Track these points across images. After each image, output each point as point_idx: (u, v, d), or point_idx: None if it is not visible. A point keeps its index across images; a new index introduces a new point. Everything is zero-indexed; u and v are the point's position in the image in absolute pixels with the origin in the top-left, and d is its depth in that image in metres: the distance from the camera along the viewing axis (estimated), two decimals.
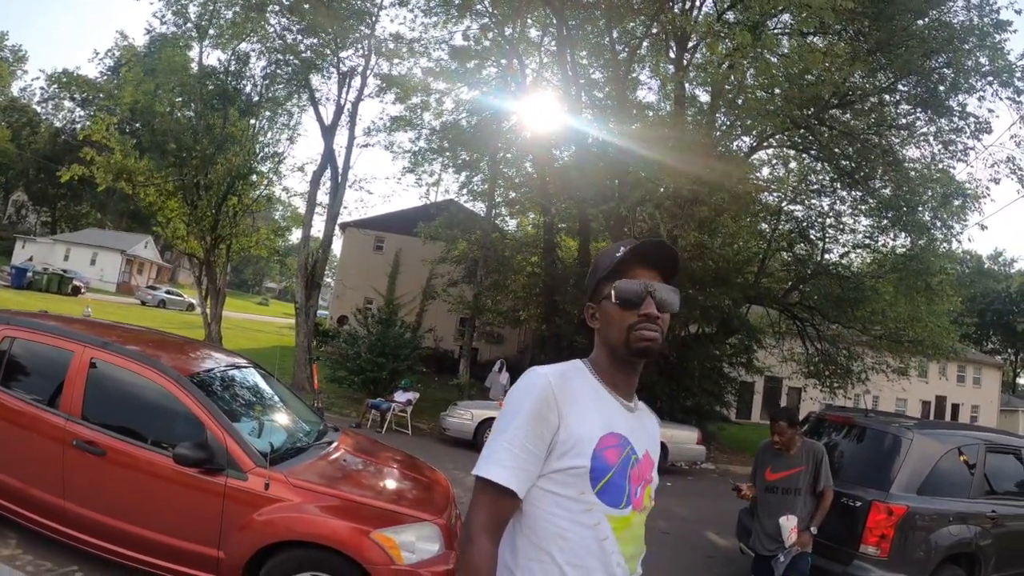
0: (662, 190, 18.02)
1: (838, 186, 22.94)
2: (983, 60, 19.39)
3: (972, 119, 20.44)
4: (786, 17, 20.11)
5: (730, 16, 20.16)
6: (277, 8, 21.86)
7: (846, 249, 24.75)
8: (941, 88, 20.13)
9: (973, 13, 19.72)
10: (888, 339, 23.88)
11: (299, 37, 22.32)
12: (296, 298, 22.44)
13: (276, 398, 6.62)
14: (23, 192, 78.35)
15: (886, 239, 23.21)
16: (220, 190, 23.09)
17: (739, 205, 19.20)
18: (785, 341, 26.64)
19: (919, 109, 21.30)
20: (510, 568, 1.94)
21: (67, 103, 76.12)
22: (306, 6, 20.84)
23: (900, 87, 20.97)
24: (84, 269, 54.58)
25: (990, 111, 24.34)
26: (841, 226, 23.90)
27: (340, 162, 22.95)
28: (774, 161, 25.13)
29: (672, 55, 21.92)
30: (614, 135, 18.85)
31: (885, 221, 22.06)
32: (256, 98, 24.84)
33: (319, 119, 23.04)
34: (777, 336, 26.29)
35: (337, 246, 38.56)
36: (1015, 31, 19.53)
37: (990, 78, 19.67)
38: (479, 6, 22.45)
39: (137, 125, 30.45)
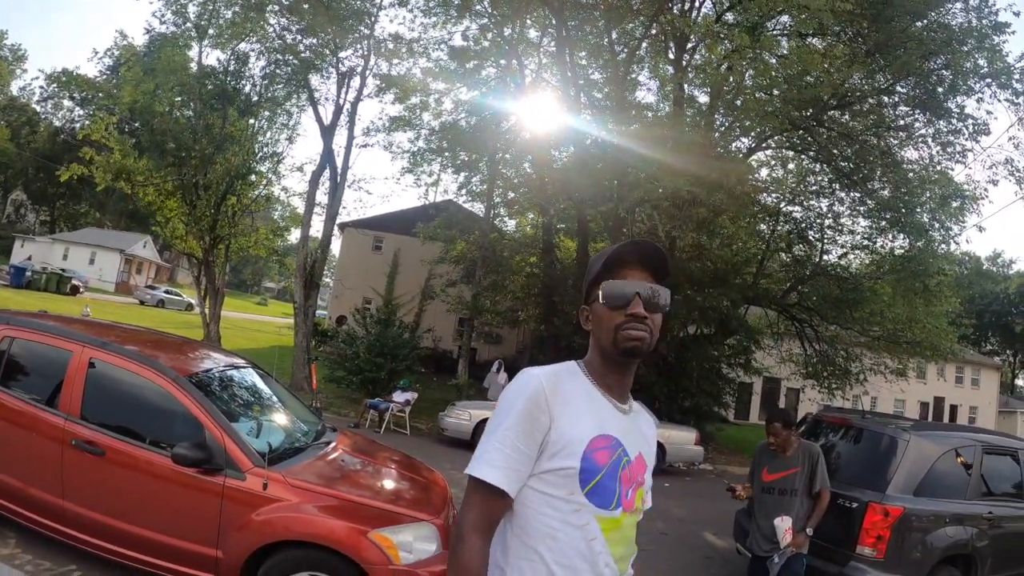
0: (661, 191, 18.02)
1: (837, 187, 22.94)
2: (982, 62, 19.40)
3: (970, 121, 20.46)
4: (785, 18, 20.13)
5: (729, 17, 20.19)
6: (276, 8, 21.88)
7: (845, 250, 24.78)
8: (940, 90, 20.15)
9: (972, 15, 19.74)
10: (886, 340, 23.89)
11: (298, 37, 22.35)
12: (295, 298, 22.44)
13: (274, 398, 6.63)
14: (22, 191, 78.32)
15: (885, 240, 23.23)
16: (219, 190, 23.11)
17: (738, 206, 19.21)
18: (783, 342, 26.66)
19: (918, 111, 21.32)
20: (500, 567, 1.95)
21: (66, 102, 76.18)
22: (305, 6, 20.85)
23: (899, 88, 20.99)
24: (83, 268, 54.57)
25: (988, 113, 24.21)
26: (840, 227, 23.92)
27: (339, 162, 22.97)
28: (773, 162, 25.15)
29: (671, 56, 21.94)
30: (613, 136, 18.85)
31: (883, 222, 22.06)
32: (255, 98, 24.87)
33: (318, 119, 23.07)
34: (775, 337, 26.30)
35: (336, 246, 38.61)
36: (1013, 32, 19.55)
37: (989, 80, 19.68)
38: (478, 6, 22.47)
39: (136, 125, 30.41)
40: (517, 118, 24.62)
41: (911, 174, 20.98)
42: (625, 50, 22.48)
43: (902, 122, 21.84)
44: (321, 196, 23.38)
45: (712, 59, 18.67)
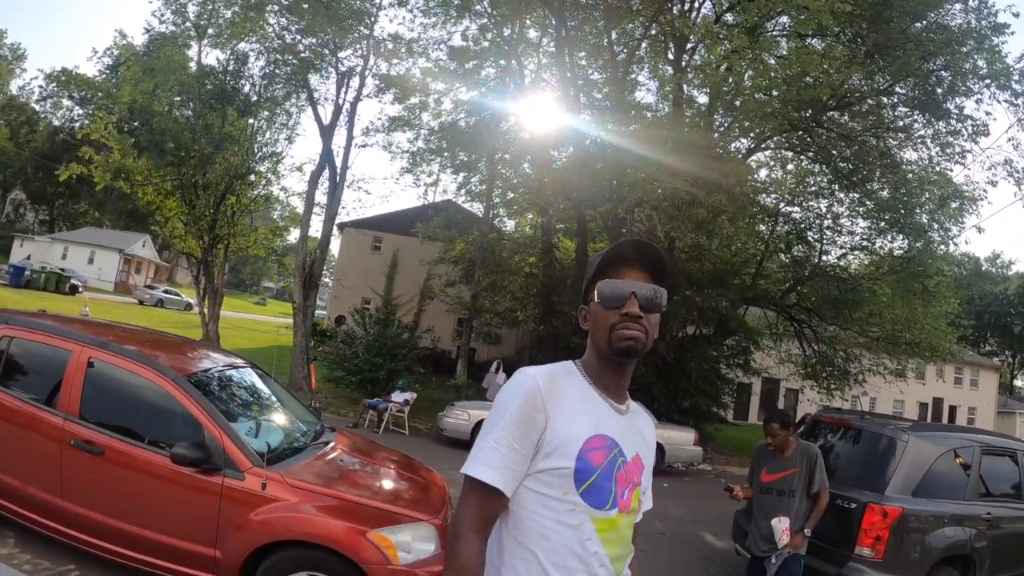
0: (660, 191, 18.03)
1: (836, 188, 22.95)
2: (981, 63, 19.40)
3: (970, 122, 20.47)
4: (784, 19, 20.15)
5: (729, 18, 20.21)
6: (276, 8, 21.87)
7: (844, 251, 24.83)
8: (939, 91, 20.16)
9: (971, 16, 19.74)
10: (886, 341, 23.90)
11: (298, 37, 22.34)
12: (294, 298, 22.42)
13: (273, 398, 6.63)
14: (21, 190, 78.22)
15: (884, 241, 23.25)
16: (218, 190, 23.10)
17: (737, 206, 19.20)
18: (782, 342, 26.69)
19: (917, 111, 21.34)
20: (496, 566, 1.95)
21: (66, 102, 76.06)
22: (305, 6, 20.84)
23: (898, 89, 21.00)
24: (82, 268, 54.48)
25: (987, 114, 24.28)
26: (839, 228, 23.94)
27: (338, 162, 22.96)
28: (772, 163, 25.16)
29: (671, 57, 21.97)
30: (612, 136, 18.86)
31: (883, 223, 22.06)
32: (255, 98, 24.86)
33: (317, 119, 23.06)
34: (775, 337, 26.32)
35: (335, 246, 38.60)
36: (1013, 33, 19.56)
37: (988, 81, 19.69)
38: (478, 7, 22.47)
39: (136, 124, 30.48)
40: (516, 118, 24.64)
41: (910, 175, 20.99)
42: (625, 50, 22.49)
43: (901, 123, 21.85)
44: (320, 196, 23.40)
45: (711, 60, 18.70)
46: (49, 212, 79.83)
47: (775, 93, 18.82)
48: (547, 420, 1.93)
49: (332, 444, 6.06)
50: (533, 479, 1.93)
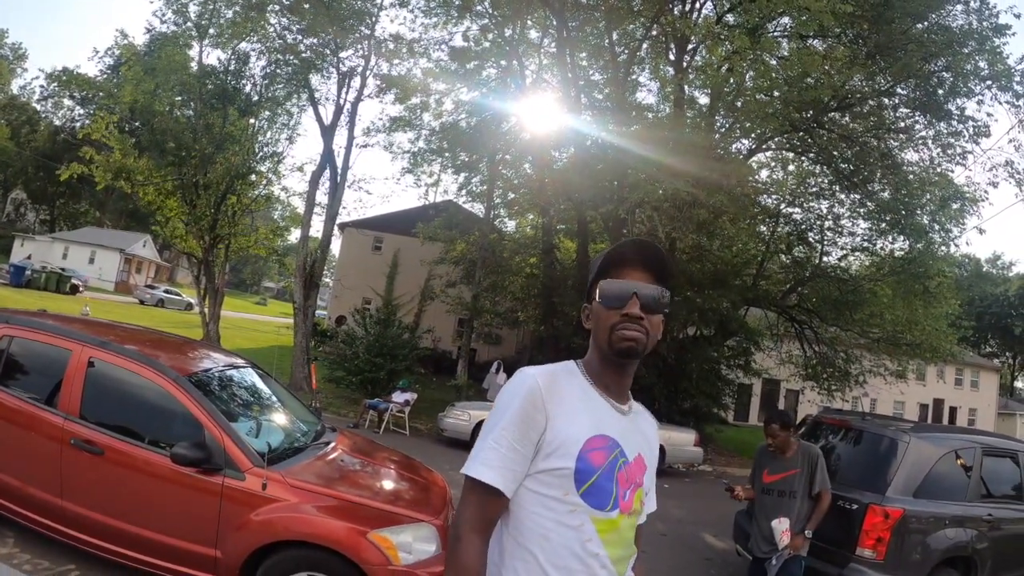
0: (661, 192, 18.02)
1: (837, 189, 22.94)
2: (982, 64, 19.39)
3: (971, 123, 20.46)
4: (786, 20, 20.15)
5: (730, 19, 20.21)
6: (277, 8, 21.87)
7: (845, 252, 24.82)
8: (940, 92, 20.14)
9: (972, 17, 19.72)
10: (886, 342, 23.90)
11: (299, 37, 22.33)
12: (294, 298, 22.41)
13: (274, 398, 6.62)
14: (22, 190, 78.26)
15: (884, 242, 23.24)
16: (219, 189, 23.08)
17: (738, 207, 19.20)
18: (783, 343, 26.69)
19: (918, 113, 21.32)
20: (497, 567, 1.94)
21: (67, 101, 76.12)
22: (306, 6, 20.84)
23: (899, 90, 20.98)
24: (82, 268, 54.50)
25: (989, 115, 24.24)
26: (840, 229, 23.93)
27: (339, 162, 22.96)
28: (773, 164, 25.15)
29: (672, 57, 21.97)
30: (613, 137, 18.85)
31: (884, 224, 22.03)
32: (256, 98, 24.84)
33: (318, 119, 23.06)
34: (775, 338, 26.33)
35: (336, 246, 38.61)
36: (1014, 34, 19.56)
37: (989, 82, 19.67)
38: (479, 7, 22.46)
39: (137, 124, 30.43)
40: (517, 119, 24.63)
41: (911, 176, 20.99)
42: (626, 51, 22.49)
43: (902, 124, 21.83)
44: (321, 196, 23.41)
45: (712, 60, 18.65)
46: (50, 212, 79.87)
47: (776, 94, 18.81)
48: (547, 420, 1.92)
49: (333, 444, 6.06)
50: (533, 479, 1.93)
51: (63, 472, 5.14)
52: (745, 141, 21.92)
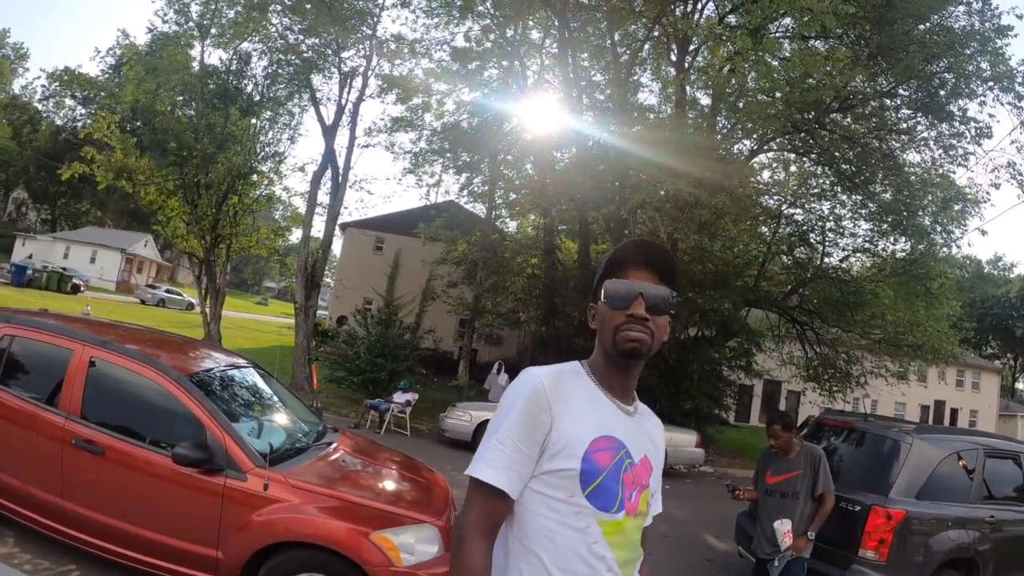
0: (663, 193, 18.01)
1: (838, 190, 22.93)
2: (984, 65, 19.38)
3: (973, 124, 20.45)
4: (787, 21, 20.13)
5: (732, 19, 20.16)
6: (279, 8, 21.86)
7: (846, 253, 24.81)
8: (942, 93, 20.13)
9: (974, 18, 19.71)
10: (887, 343, 23.88)
11: (300, 37, 22.32)
12: (296, 298, 22.41)
13: (275, 398, 6.61)
14: (23, 190, 78.28)
15: (886, 243, 23.25)
16: (220, 189, 23.07)
17: (740, 208, 19.19)
18: (784, 344, 26.68)
19: (920, 114, 21.31)
20: (502, 569, 1.93)
21: (68, 101, 76.17)
22: (308, 6, 20.84)
23: (901, 91, 20.97)
24: (84, 267, 54.50)
25: (991, 116, 24.25)
26: (841, 230, 23.91)
27: (341, 162, 22.94)
28: (775, 164, 25.18)
29: (673, 58, 21.95)
30: (615, 137, 18.83)
31: (885, 225, 22.04)
32: (257, 98, 24.84)
33: (320, 119, 23.05)
34: (776, 339, 26.32)
35: (337, 246, 38.60)
36: (1016, 36, 19.59)
37: (991, 83, 19.66)
38: (481, 7, 22.44)
39: (138, 124, 30.42)
40: (519, 119, 24.62)
41: (913, 177, 20.98)
42: (627, 52, 22.49)
43: (904, 125, 21.83)
44: (323, 196, 23.43)
45: (714, 61, 18.63)
46: (51, 211, 79.89)
47: (778, 95, 18.80)
48: (552, 421, 1.90)
49: (335, 445, 6.05)
50: (538, 481, 1.91)
51: (64, 472, 5.13)
52: (747, 142, 21.95)
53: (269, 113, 25.24)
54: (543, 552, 1.88)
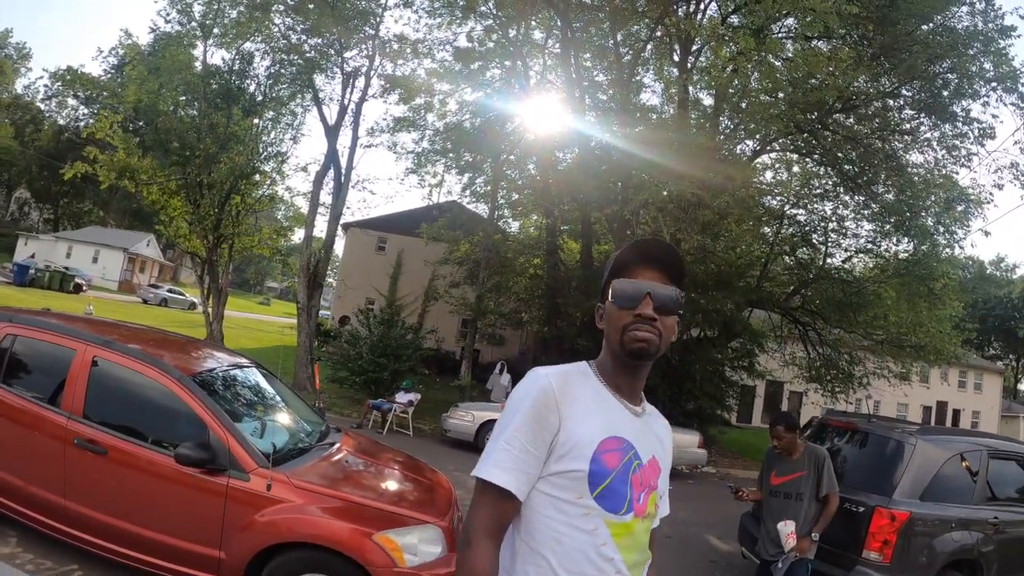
0: (665, 193, 18.00)
1: (841, 190, 22.91)
2: (987, 66, 19.39)
3: (976, 125, 20.47)
4: (790, 21, 20.15)
5: (734, 20, 20.15)
6: (281, 8, 21.85)
7: (849, 254, 24.78)
8: (945, 93, 20.13)
9: (978, 19, 19.72)
10: (890, 344, 23.85)
11: (303, 37, 22.31)
12: (298, 298, 22.40)
13: (278, 398, 6.60)
14: (26, 189, 78.40)
15: (889, 244, 23.25)
16: (223, 189, 23.06)
17: (742, 209, 19.17)
18: (787, 345, 26.63)
19: (923, 114, 21.31)
20: (508, 572, 1.91)
21: (71, 101, 76.25)
22: (310, 6, 20.83)
23: (904, 92, 20.97)
24: (86, 267, 54.54)
25: (994, 117, 24.41)
26: (844, 230, 23.88)
27: (343, 162, 22.95)
28: (777, 165, 25.14)
29: (676, 58, 21.96)
30: (617, 138, 18.82)
31: (888, 226, 22.03)
32: (260, 97, 24.85)
33: (323, 119, 23.04)
34: (779, 340, 26.28)
35: (339, 246, 38.55)
36: (1019, 36, 19.52)
37: (994, 84, 19.67)
38: (483, 8, 22.42)
39: (141, 123, 30.43)
40: (521, 119, 24.59)
41: (916, 178, 20.95)
42: (630, 52, 22.46)
43: (907, 125, 21.84)
44: (325, 196, 23.40)
45: (717, 62, 18.63)
46: (53, 211, 80.00)
47: (781, 95, 18.79)
48: (560, 421, 1.88)
49: (338, 445, 6.04)
50: (546, 482, 1.89)
51: (66, 472, 5.13)
52: (749, 142, 21.95)
53: (272, 113, 25.26)
54: (551, 554, 1.85)
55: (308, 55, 22.26)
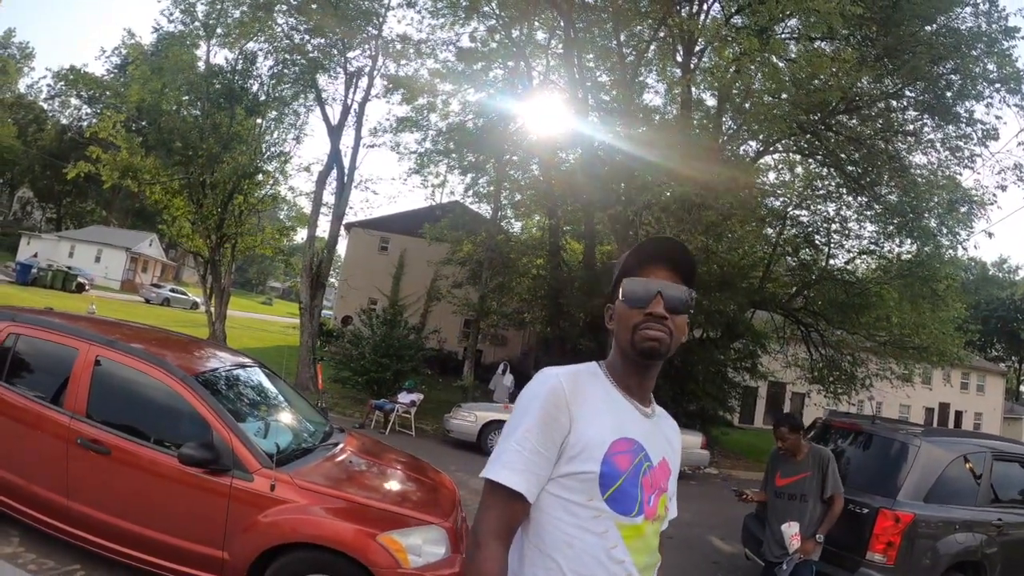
0: (668, 194, 17.98)
1: (844, 191, 22.89)
2: (991, 67, 19.39)
3: (979, 126, 20.46)
4: (794, 22, 20.12)
5: (738, 20, 20.14)
6: (284, 8, 21.85)
7: (851, 255, 24.72)
8: (948, 94, 20.12)
9: (981, 20, 19.71)
10: (893, 345, 23.81)
11: (306, 37, 22.30)
12: (301, 298, 22.39)
13: (282, 398, 6.60)
14: (29, 188, 78.54)
15: (892, 245, 23.19)
16: (226, 189, 23.05)
17: (745, 210, 19.15)
18: (789, 346, 26.60)
19: (926, 115, 21.30)
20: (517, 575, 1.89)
21: (74, 100, 76.47)
22: (313, 6, 20.83)
23: (907, 93, 20.96)
24: (89, 266, 54.65)
25: (997, 118, 24.31)
26: (847, 231, 23.84)
27: (346, 162, 22.94)
28: (780, 166, 25.13)
29: (679, 59, 21.91)
30: (620, 138, 18.80)
31: (891, 227, 22.01)
32: (263, 97, 24.83)
33: (326, 119, 23.05)
34: (781, 341, 26.24)
35: (342, 246, 38.57)
36: (1023, 37, 19.51)
37: (998, 85, 19.67)
38: (486, 8, 22.39)
39: (144, 123, 30.42)
40: (524, 120, 24.56)
41: (919, 179, 20.96)
42: (633, 53, 22.43)
43: (910, 127, 21.83)
44: (328, 196, 23.39)
45: (720, 62, 18.62)
46: (56, 210, 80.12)
47: (784, 96, 18.77)
48: (571, 422, 1.86)
49: (341, 445, 6.03)
50: (555, 484, 1.87)
51: (69, 471, 5.12)
52: (753, 143, 21.93)
53: (274, 113, 25.23)
54: (561, 557, 1.83)
55: (311, 55, 22.26)
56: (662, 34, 21.46)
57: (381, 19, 22.54)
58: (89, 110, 72.47)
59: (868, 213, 22.89)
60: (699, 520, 12.35)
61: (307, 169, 26.13)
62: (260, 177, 25.21)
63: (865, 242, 23.89)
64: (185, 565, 4.86)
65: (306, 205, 26.53)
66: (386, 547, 4.62)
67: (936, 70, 19.51)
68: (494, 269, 25.83)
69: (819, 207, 24.05)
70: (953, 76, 19.86)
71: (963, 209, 20.86)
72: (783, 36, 20.51)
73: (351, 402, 19.37)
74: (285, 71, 23.67)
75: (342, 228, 26.08)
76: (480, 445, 15.29)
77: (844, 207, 23.54)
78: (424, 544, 4.84)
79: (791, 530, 5.88)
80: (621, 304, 2.00)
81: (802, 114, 18.93)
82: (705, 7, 21.77)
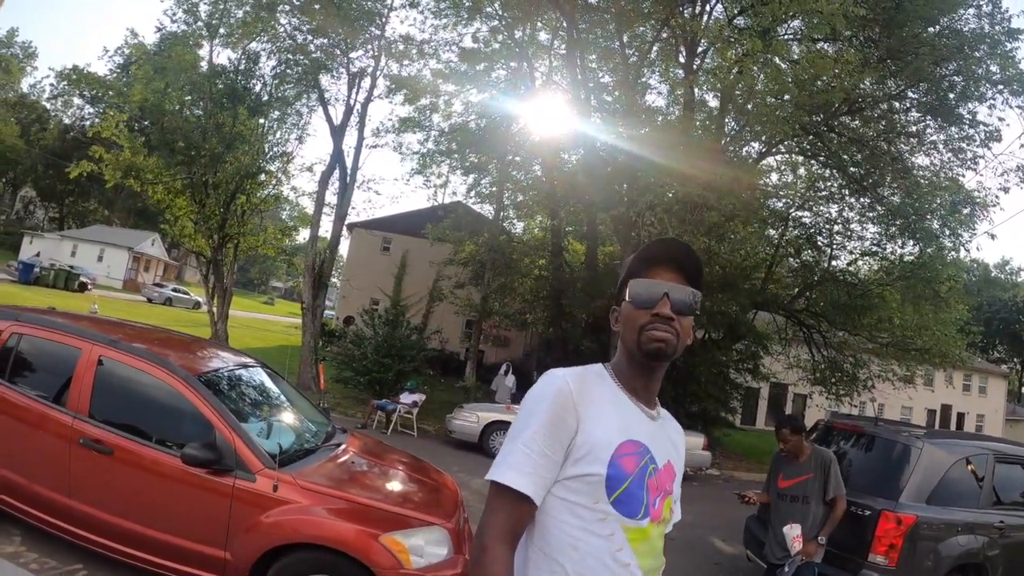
0: (671, 195, 17.97)
1: (846, 193, 22.89)
2: (994, 68, 19.38)
3: (982, 127, 20.43)
4: (796, 23, 20.09)
5: (740, 21, 20.12)
6: (287, 8, 21.86)
7: (854, 256, 24.71)
8: (951, 96, 20.11)
9: (984, 21, 19.69)
10: (895, 347, 23.81)
11: (309, 37, 22.30)
12: (303, 298, 22.38)
13: (284, 398, 6.60)
14: (31, 188, 78.62)
15: (894, 247, 23.17)
16: (228, 189, 23.03)
17: (748, 211, 19.14)
18: (791, 347, 26.59)
19: (929, 117, 21.28)
20: None
21: (76, 100, 76.56)
22: (316, 6, 20.83)
23: (910, 94, 20.95)
24: (91, 265, 54.73)
25: (1000, 119, 24.26)
26: (849, 233, 23.86)
27: (349, 162, 22.92)
28: (783, 167, 25.11)
29: (682, 60, 21.89)
30: (623, 139, 18.78)
31: (893, 228, 22.00)
32: (265, 97, 24.80)
33: (328, 119, 23.05)
34: (783, 342, 26.23)
35: (344, 246, 38.58)
36: None
37: (1000, 86, 19.65)
38: (489, 8, 22.39)
39: (146, 123, 30.42)
40: (527, 121, 24.56)
41: (922, 180, 20.95)
42: (636, 54, 22.41)
43: (913, 128, 21.81)
44: (330, 196, 23.38)
45: (723, 63, 18.59)
46: (59, 210, 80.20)
47: (787, 97, 18.75)
48: (578, 423, 1.85)
49: (344, 446, 6.03)
50: (561, 486, 1.86)
51: (71, 471, 5.13)
52: (755, 144, 21.90)
53: (277, 113, 25.19)
54: (566, 560, 1.82)
55: (314, 55, 22.26)
56: (665, 35, 21.45)
57: (384, 19, 22.55)
58: (92, 110, 72.59)
59: (870, 214, 22.89)
60: (701, 521, 12.34)
61: (310, 169, 26.18)
62: (263, 177, 25.17)
63: (867, 243, 23.94)
64: (187, 565, 4.86)
65: (308, 205, 26.54)
66: (388, 548, 4.62)
67: (939, 71, 19.50)
68: (496, 270, 25.84)
69: (821, 208, 24.08)
70: (956, 78, 19.85)
71: (966, 211, 20.85)
72: (786, 37, 20.48)
73: (353, 402, 19.36)
74: (288, 71, 23.67)
75: (344, 228, 26.07)
76: (482, 446, 15.29)
77: (846, 208, 23.57)
78: (426, 545, 4.83)
79: (793, 532, 5.88)
80: (628, 305, 1.99)
81: (805, 115, 18.91)
82: (708, 8, 21.75)
